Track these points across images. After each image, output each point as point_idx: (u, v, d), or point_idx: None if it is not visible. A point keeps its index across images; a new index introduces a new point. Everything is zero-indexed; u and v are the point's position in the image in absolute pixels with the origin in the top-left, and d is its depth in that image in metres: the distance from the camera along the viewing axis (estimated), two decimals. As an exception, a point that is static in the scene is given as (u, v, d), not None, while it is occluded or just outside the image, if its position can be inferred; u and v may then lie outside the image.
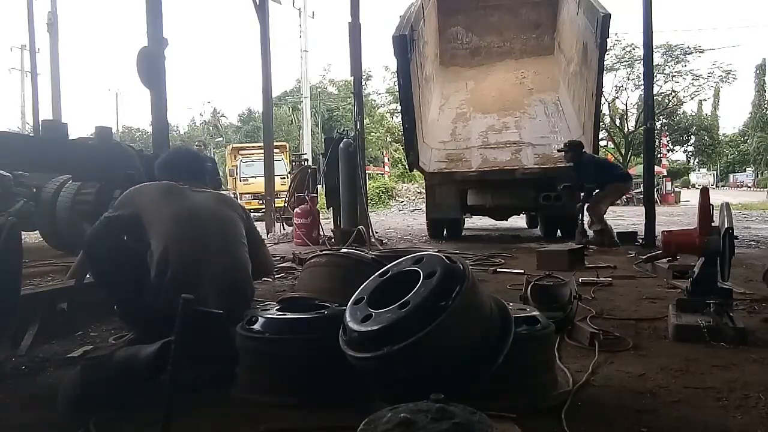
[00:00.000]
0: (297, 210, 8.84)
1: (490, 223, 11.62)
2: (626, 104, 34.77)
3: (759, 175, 50.75)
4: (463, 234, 10.01)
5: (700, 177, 51.96)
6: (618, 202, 23.53)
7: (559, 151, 7.64)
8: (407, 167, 11.57)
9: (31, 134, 14.42)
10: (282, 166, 17.33)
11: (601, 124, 18.36)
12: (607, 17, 7.33)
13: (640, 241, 7.59)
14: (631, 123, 34.58)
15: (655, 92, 18.85)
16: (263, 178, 11.67)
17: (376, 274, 1.94)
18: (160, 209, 2.42)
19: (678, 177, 47.93)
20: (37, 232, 7.48)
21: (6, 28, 67.39)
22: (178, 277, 2.27)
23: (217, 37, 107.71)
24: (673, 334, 2.79)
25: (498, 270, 5.47)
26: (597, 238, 7.23)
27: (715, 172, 58.81)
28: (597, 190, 7.38)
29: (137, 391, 2.01)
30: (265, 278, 4.16)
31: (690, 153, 55.76)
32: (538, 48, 11.13)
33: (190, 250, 2.35)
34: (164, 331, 1.89)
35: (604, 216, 7.38)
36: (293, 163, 14.41)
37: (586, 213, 7.54)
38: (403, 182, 26.67)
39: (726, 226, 2.85)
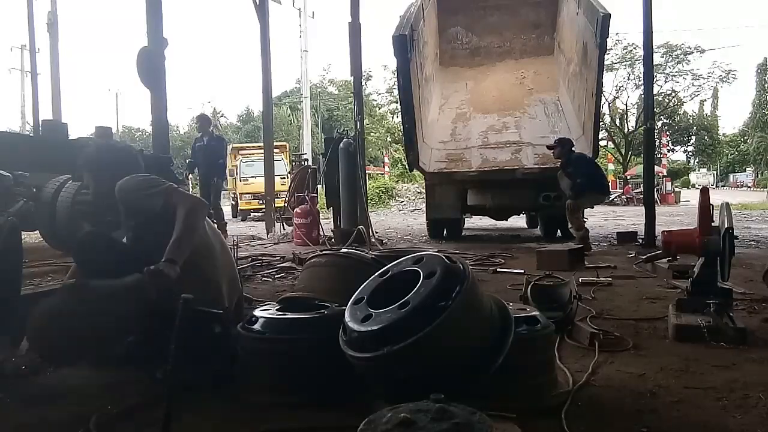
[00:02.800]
0: (297, 210, 8.83)
1: (490, 223, 11.62)
2: (626, 104, 34.80)
3: (759, 175, 50.74)
4: (463, 234, 10.00)
5: (700, 177, 51.94)
6: (618, 201, 23.68)
7: (548, 148, 7.59)
8: (407, 167, 11.57)
9: (31, 134, 14.43)
10: (282, 166, 17.33)
11: (601, 124, 18.36)
12: (607, 17, 7.32)
13: (640, 241, 7.59)
14: (631, 123, 34.58)
15: (655, 92, 18.84)
16: (263, 178, 11.66)
17: (376, 274, 1.94)
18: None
19: (678, 177, 47.92)
20: (37, 232, 7.48)
21: (6, 28, 67.43)
22: (213, 286, 2.40)
23: (217, 37, 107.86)
24: (673, 334, 2.79)
25: (498, 270, 5.46)
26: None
27: (715, 172, 58.81)
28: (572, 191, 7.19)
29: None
30: None
31: (690, 153, 55.82)
32: (538, 48, 11.12)
33: (213, 256, 2.47)
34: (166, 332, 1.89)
35: (583, 222, 7.28)
36: (293, 163, 14.41)
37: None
38: (403, 182, 26.64)
39: (726, 226, 2.85)
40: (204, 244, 2.48)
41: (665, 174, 29.70)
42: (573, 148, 7.38)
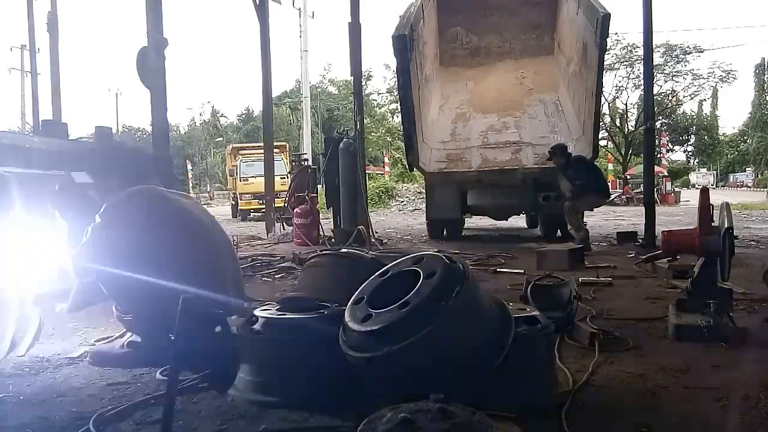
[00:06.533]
0: (297, 210, 8.83)
1: (490, 223, 11.61)
2: (626, 104, 34.78)
3: (759, 175, 50.70)
4: (463, 234, 10.00)
5: (700, 177, 51.90)
6: (618, 201, 23.68)
7: (548, 159, 7.58)
8: (407, 167, 11.57)
9: (31, 134, 14.40)
10: (282, 166, 17.33)
11: (601, 124, 18.35)
12: (607, 17, 7.32)
13: (640, 241, 7.59)
14: (631, 123, 34.56)
15: (655, 92, 18.82)
16: (263, 178, 11.67)
17: (376, 274, 1.94)
18: (173, 221, 2.43)
19: (678, 177, 47.88)
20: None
21: (6, 28, 67.36)
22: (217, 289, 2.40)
23: (217, 37, 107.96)
24: (673, 334, 2.79)
25: (498, 270, 5.46)
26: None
27: (715, 172, 58.77)
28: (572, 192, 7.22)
29: None
30: None
31: (690, 153, 55.83)
32: (538, 48, 11.11)
33: (214, 261, 2.49)
34: (167, 333, 1.89)
35: (582, 223, 7.32)
36: (293, 163, 14.41)
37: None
38: (403, 182, 26.66)
39: (726, 226, 2.84)
40: (213, 245, 2.49)
41: (665, 174, 29.70)
42: (570, 151, 7.41)
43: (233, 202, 20.42)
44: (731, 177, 57.64)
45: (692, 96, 35.04)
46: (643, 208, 8.30)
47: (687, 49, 31.13)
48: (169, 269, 2.34)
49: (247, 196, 18.38)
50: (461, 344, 1.73)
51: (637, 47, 26.75)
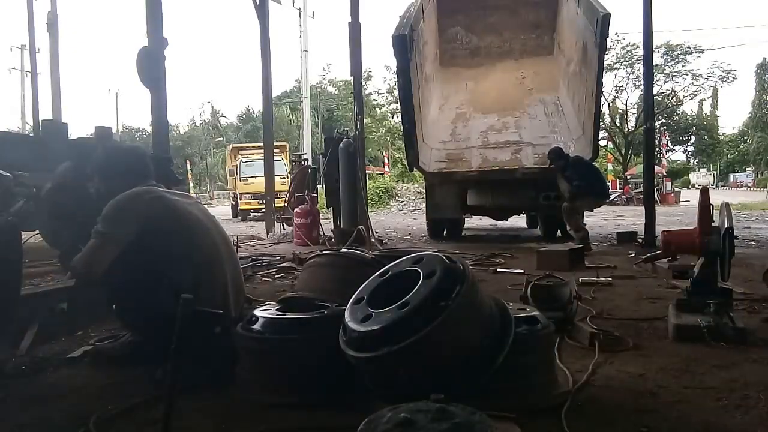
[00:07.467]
0: (297, 210, 8.84)
1: (490, 223, 11.62)
2: (626, 104, 34.80)
3: (759, 175, 50.72)
4: (463, 234, 10.00)
5: (700, 177, 51.87)
6: (618, 201, 23.69)
7: (550, 165, 7.58)
8: (407, 167, 11.59)
9: (31, 134, 14.42)
10: (282, 166, 17.34)
11: (601, 124, 18.37)
12: (607, 17, 7.33)
13: (640, 241, 7.59)
14: (631, 123, 34.57)
15: (655, 92, 18.83)
16: (263, 178, 11.67)
17: (376, 274, 1.94)
18: (173, 221, 2.42)
19: (678, 177, 47.91)
20: (37, 232, 7.47)
21: (6, 28, 67.40)
22: (217, 289, 2.42)
23: (217, 37, 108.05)
24: (673, 334, 2.79)
25: (498, 270, 5.46)
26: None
27: (715, 172, 58.78)
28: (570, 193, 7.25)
29: None
30: None
31: (690, 153, 55.85)
32: (537, 48, 11.11)
33: (215, 261, 2.47)
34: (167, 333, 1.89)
35: (581, 224, 7.35)
36: (293, 163, 14.42)
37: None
38: (403, 182, 26.69)
39: (726, 226, 2.84)
40: (212, 245, 2.48)
41: (665, 174, 29.72)
42: (569, 151, 7.43)
43: (233, 202, 20.44)
44: (731, 177, 57.63)
45: (692, 96, 35.08)
46: (643, 208, 8.30)
47: (687, 49, 31.14)
48: (168, 269, 2.34)
49: (247, 196, 18.40)
50: (461, 344, 1.73)
51: (637, 47, 26.78)
